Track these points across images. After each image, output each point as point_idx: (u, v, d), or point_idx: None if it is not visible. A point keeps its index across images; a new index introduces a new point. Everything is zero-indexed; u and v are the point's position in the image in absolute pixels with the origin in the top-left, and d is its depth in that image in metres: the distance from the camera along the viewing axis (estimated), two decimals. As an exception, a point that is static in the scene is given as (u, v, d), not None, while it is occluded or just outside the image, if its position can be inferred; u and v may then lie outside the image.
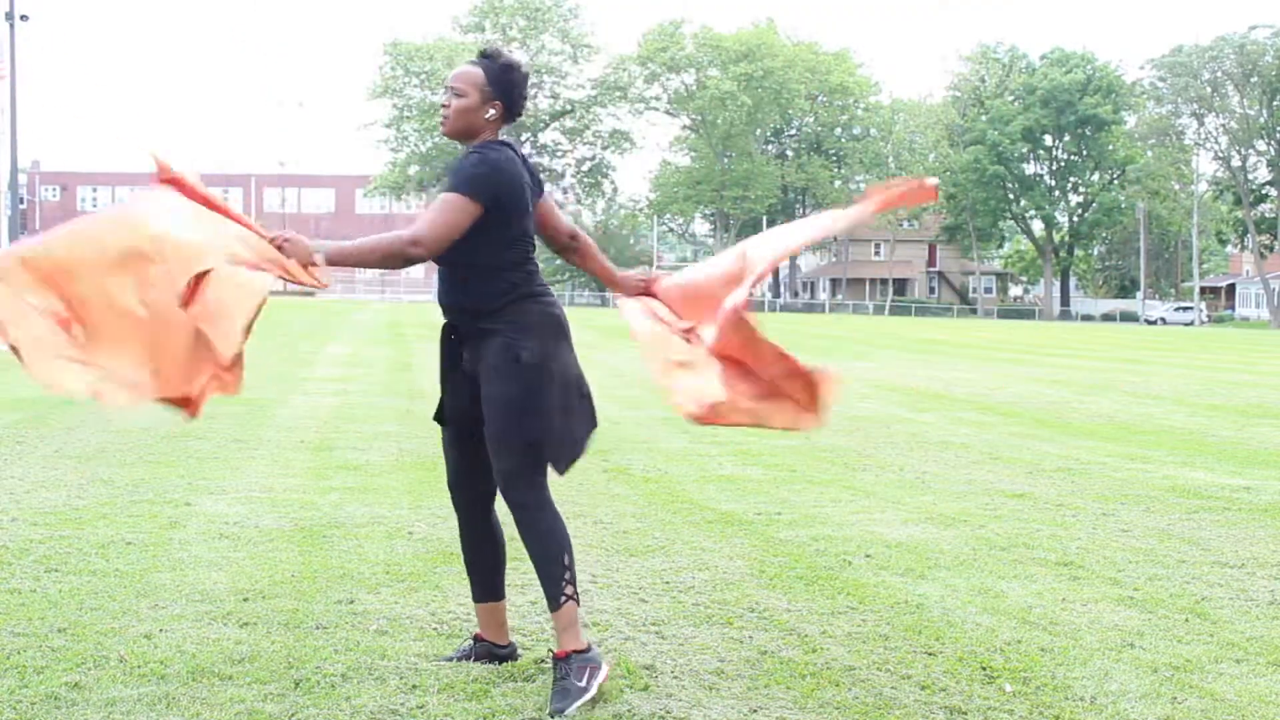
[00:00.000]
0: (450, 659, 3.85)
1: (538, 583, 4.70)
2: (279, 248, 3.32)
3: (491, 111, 3.61)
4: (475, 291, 3.58)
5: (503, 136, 3.68)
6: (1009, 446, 9.52)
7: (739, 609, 4.54)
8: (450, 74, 3.66)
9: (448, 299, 3.67)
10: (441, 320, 3.75)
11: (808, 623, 4.38)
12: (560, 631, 3.55)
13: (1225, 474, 8.27)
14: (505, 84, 3.62)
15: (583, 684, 3.43)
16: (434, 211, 3.45)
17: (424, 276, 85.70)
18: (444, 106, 3.62)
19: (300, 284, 3.44)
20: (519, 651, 3.92)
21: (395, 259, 3.41)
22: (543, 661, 3.84)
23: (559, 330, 3.62)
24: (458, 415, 3.73)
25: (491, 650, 3.84)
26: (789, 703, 3.57)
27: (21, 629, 4.07)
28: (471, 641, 3.89)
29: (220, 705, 3.41)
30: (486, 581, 3.86)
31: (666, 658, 3.95)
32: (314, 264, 3.33)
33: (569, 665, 3.48)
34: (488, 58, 3.64)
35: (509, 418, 3.52)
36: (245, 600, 4.48)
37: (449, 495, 3.88)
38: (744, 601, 4.64)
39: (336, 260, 3.34)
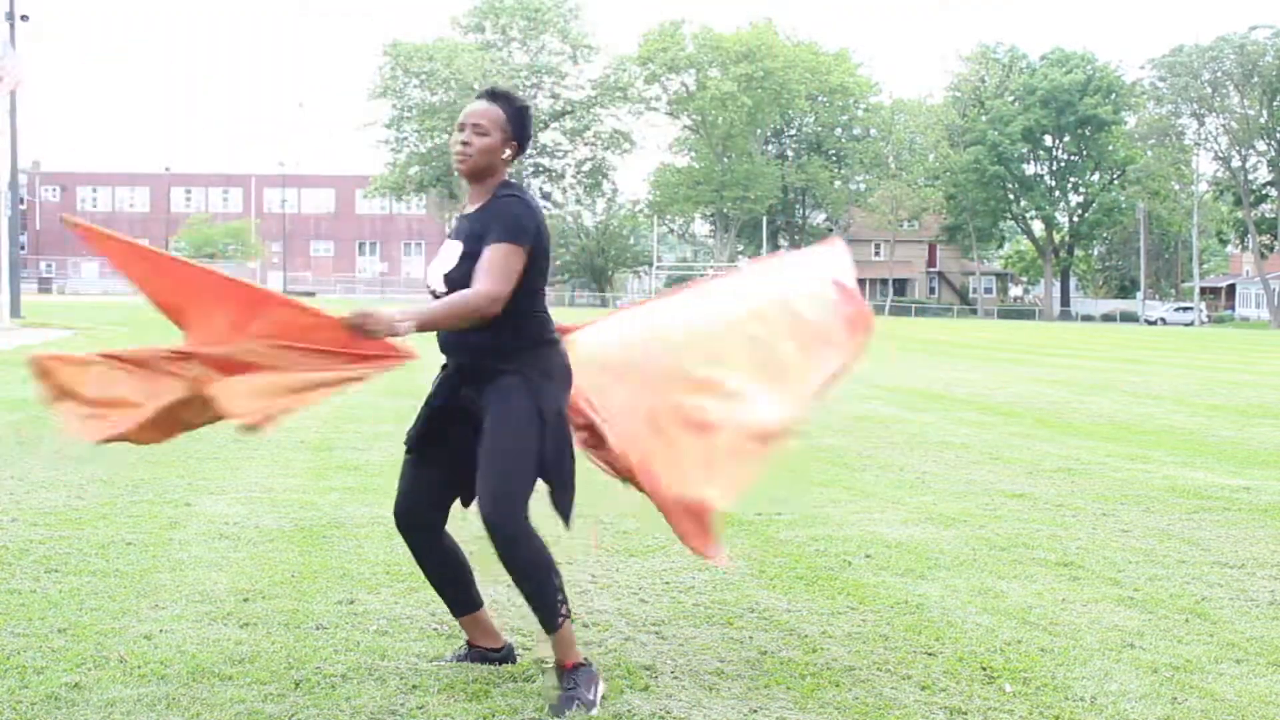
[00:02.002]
0: (448, 661, 3.85)
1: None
2: (358, 326, 3.25)
3: (508, 151, 3.63)
4: (499, 334, 3.51)
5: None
6: (1009, 446, 9.52)
7: (739, 609, 4.54)
8: (468, 111, 3.63)
9: (462, 338, 3.57)
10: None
11: (808, 623, 4.38)
12: (565, 647, 3.53)
13: (1225, 474, 8.27)
14: (521, 125, 3.65)
15: (591, 697, 3.45)
16: (499, 265, 3.44)
17: (424, 277, 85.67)
18: (464, 144, 3.58)
19: (384, 368, 3.71)
20: (516, 651, 3.91)
21: (477, 316, 3.40)
22: (543, 662, 3.84)
23: (568, 379, 3.64)
24: (428, 442, 3.70)
25: (486, 655, 3.83)
26: (789, 703, 3.57)
27: (21, 629, 4.07)
28: (466, 648, 3.88)
29: (220, 705, 3.41)
30: (461, 597, 3.81)
31: (666, 658, 3.95)
32: (397, 334, 3.33)
33: (577, 676, 3.49)
34: (500, 97, 3.64)
35: (521, 457, 3.46)
36: (245, 600, 4.49)
37: (393, 522, 3.76)
38: (744, 601, 4.64)
39: (423, 327, 3.32)
